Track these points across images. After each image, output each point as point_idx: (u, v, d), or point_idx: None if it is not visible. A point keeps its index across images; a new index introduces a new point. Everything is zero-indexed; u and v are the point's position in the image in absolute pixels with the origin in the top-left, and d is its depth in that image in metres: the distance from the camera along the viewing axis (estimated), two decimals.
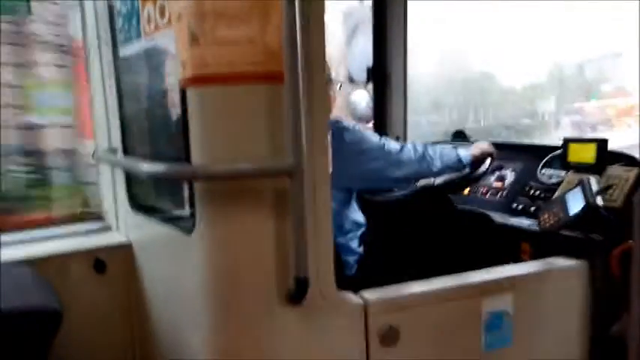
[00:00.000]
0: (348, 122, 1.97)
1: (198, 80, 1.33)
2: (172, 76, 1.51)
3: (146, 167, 1.49)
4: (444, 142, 2.71)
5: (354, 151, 1.88)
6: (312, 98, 1.34)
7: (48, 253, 1.90)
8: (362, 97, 2.97)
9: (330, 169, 1.45)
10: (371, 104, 2.93)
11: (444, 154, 2.07)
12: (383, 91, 2.85)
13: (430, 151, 2.03)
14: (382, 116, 2.87)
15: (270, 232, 1.40)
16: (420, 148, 2.03)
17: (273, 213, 1.39)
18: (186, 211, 1.55)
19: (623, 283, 1.76)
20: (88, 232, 2.16)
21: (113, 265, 1.95)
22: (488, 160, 2.23)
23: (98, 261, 1.95)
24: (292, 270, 1.39)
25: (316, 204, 1.41)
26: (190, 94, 1.36)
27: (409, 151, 2.00)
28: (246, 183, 1.37)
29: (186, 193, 1.54)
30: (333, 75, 2.04)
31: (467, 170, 2.18)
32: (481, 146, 2.23)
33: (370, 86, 2.85)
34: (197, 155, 1.37)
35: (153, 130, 1.84)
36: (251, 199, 1.39)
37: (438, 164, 2.04)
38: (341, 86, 2.09)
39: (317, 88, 1.37)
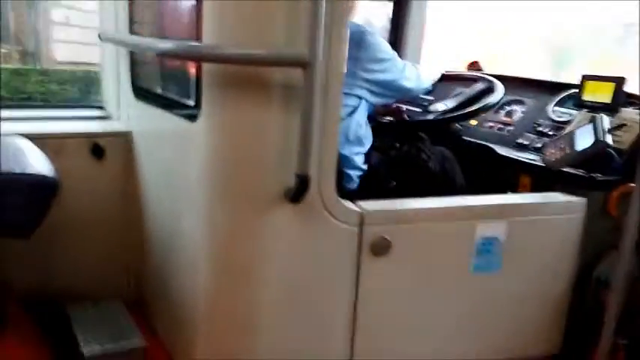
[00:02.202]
0: (368, 29, 1.91)
1: None
2: None
3: (154, 44, 1.44)
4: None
5: (372, 58, 1.85)
6: None
7: (46, 132, 1.88)
8: (379, 18, 2.86)
9: (345, 70, 1.40)
10: (387, 26, 2.83)
11: (424, 75, 2.21)
12: (401, 13, 2.74)
13: (419, 71, 2.15)
14: (398, 39, 2.78)
15: (276, 125, 1.38)
16: (412, 66, 2.09)
17: (281, 106, 1.36)
18: (191, 97, 1.52)
19: (618, 224, 1.78)
20: (87, 118, 2.13)
21: (112, 151, 1.94)
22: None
23: (97, 146, 1.93)
24: (294, 167, 1.37)
25: (327, 100, 1.37)
26: None
27: (410, 67, 2.05)
28: (257, 71, 1.33)
29: (193, 78, 1.50)
30: None
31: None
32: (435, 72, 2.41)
33: (390, 6, 2.74)
34: (208, 35, 1.32)
35: (163, 16, 1.77)
36: (260, 89, 1.35)
37: (425, 85, 2.21)
38: None
39: None
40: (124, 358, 1.61)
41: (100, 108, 2.22)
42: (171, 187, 1.71)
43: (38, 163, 1.42)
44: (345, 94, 1.74)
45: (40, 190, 1.36)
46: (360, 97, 1.87)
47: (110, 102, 2.17)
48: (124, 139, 1.95)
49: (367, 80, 1.87)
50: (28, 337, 1.66)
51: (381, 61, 1.88)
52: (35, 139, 1.75)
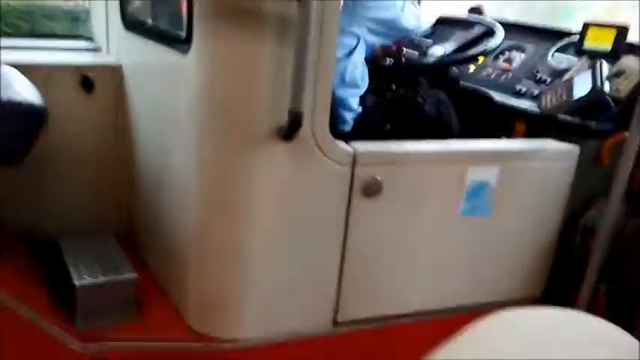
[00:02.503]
0: None
1: None
2: None
3: None
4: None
5: None
6: None
7: (34, 62, 1.83)
8: None
9: (342, 2, 1.36)
10: None
11: (420, 15, 2.16)
12: None
13: (418, 9, 2.15)
14: None
15: (270, 59, 1.34)
16: (412, 5, 2.04)
17: (275, 40, 1.32)
18: (182, 29, 1.47)
19: (608, 174, 1.79)
20: (76, 50, 2.07)
21: (102, 84, 1.90)
22: None
23: (86, 79, 1.89)
24: (287, 104, 1.35)
25: (322, 35, 1.34)
26: None
27: (410, 6, 2.00)
28: (251, 3, 1.29)
29: (184, 9, 1.45)
30: None
31: None
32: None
33: None
34: None
35: None
36: (253, 22, 1.31)
37: (424, 26, 2.20)
38: None
39: None
40: (116, 289, 1.64)
41: (89, 39, 2.16)
42: (162, 120, 1.68)
43: (26, 92, 1.39)
44: (343, 31, 1.69)
45: (29, 117, 1.34)
46: (358, 37, 1.83)
47: (99, 34, 2.11)
48: (114, 71, 1.90)
49: (366, 18, 1.81)
50: (22, 268, 1.68)
51: None
52: (23, 68, 1.71)
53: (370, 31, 1.85)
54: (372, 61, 2.22)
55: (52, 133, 1.64)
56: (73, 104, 1.87)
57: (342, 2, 1.37)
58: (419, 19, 2.06)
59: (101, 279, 1.63)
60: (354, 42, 1.83)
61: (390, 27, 1.90)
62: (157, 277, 1.84)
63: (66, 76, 1.85)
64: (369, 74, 2.00)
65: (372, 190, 1.60)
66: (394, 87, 2.16)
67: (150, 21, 1.80)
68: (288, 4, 1.26)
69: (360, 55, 1.87)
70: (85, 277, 1.63)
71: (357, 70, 1.89)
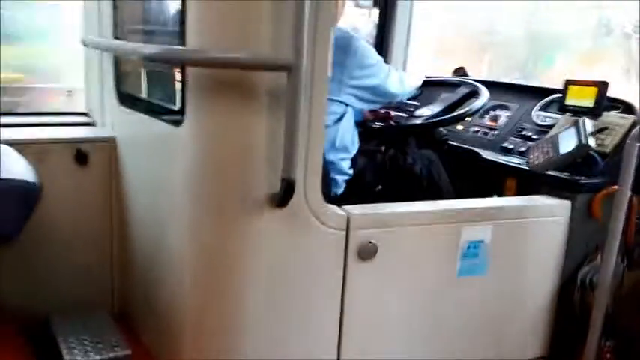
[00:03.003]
0: (355, 35, 1.92)
1: None
2: None
3: (139, 49, 1.43)
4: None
5: (358, 64, 1.85)
6: None
7: (29, 139, 1.86)
8: (364, 24, 2.88)
9: (330, 72, 1.40)
10: (373, 32, 2.84)
11: (408, 80, 2.23)
12: (387, 19, 2.76)
13: (402, 75, 2.18)
14: (383, 47, 2.79)
15: (262, 129, 1.37)
16: (396, 71, 2.11)
17: (266, 110, 1.36)
18: (176, 102, 1.51)
19: (601, 227, 1.79)
20: (70, 125, 2.11)
21: (96, 158, 1.92)
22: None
23: (80, 153, 1.91)
24: (279, 172, 1.37)
25: (312, 104, 1.37)
26: None
27: (394, 72, 2.06)
28: (241, 75, 1.33)
29: (178, 83, 1.49)
30: None
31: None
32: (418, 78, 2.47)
33: (375, 12, 2.75)
34: (192, 39, 1.31)
35: (147, 20, 1.76)
36: (244, 93, 1.35)
37: (409, 90, 2.23)
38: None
39: None
40: None
41: (84, 114, 2.20)
42: (156, 193, 1.69)
43: (20, 169, 1.40)
44: (331, 100, 1.74)
45: (22, 196, 1.34)
46: (346, 104, 1.88)
47: (94, 108, 2.15)
48: (108, 145, 1.93)
49: (353, 86, 1.87)
50: (12, 346, 1.64)
51: (368, 66, 1.89)
52: (18, 145, 1.73)
53: (357, 98, 1.90)
54: (362, 123, 2.28)
55: (46, 208, 1.64)
56: (67, 179, 1.89)
57: (329, 72, 1.41)
58: (403, 83, 2.13)
59: (93, 357, 1.58)
60: (342, 109, 1.88)
61: (376, 93, 1.96)
62: (152, 353, 1.79)
63: (61, 151, 1.87)
64: (359, 137, 2.04)
65: (367, 253, 1.59)
66: (384, 149, 2.20)
67: (143, 95, 1.84)
68: (278, 75, 1.31)
69: (349, 121, 1.92)
70: (77, 355, 1.58)
71: (347, 135, 1.93)
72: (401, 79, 2.11)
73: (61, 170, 1.87)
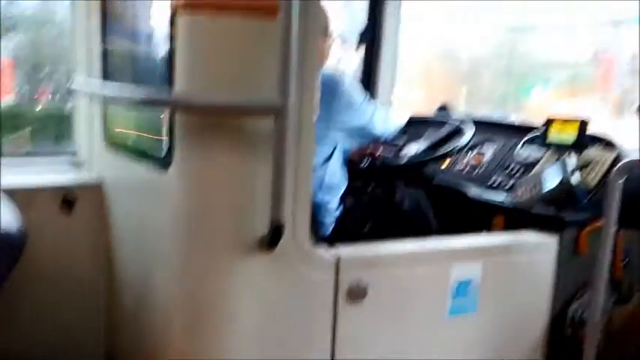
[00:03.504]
0: (343, 76, 1.95)
1: (190, 8, 1.28)
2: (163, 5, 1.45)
3: (126, 93, 1.44)
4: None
5: (346, 105, 1.88)
6: (304, 37, 1.31)
7: (15, 185, 1.84)
8: (349, 63, 2.93)
9: (317, 115, 1.42)
10: (358, 72, 2.89)
11: (392, 118, 2.27)
12: (372, 58, 2.81)
13: (387, 113, 2.23)
14: (370, 84, 2.83)
15: (249, 173, 1.38)
16: (382, 110, 2.15)
17: (253, 153, 1.36)
18: (164, 146, 1.51)
19: (589, 262, 1.80)
20: (58, 167, 2.10)
21: (83, 202, 1.90)
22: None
23: (67, 198, 1.89)
24: (268, 215, 1.36)
25: (299, 148, 1.38)
26: (180, 20, 1.31)
27: (379, 111, 2.10)
28: (229, 119, 1.34)
29: (165, 127, 1.50)
30: (332, 28, 2.01)
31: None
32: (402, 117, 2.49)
33: (360, 50, 2.80)
34: (181, 84, 1.33)
35: (136, 63, 1.78)
36: (232, 137, 1.35)
37: (393, 129, 2.25)
38: (341, 40, 2.07)
39: (310, 28, 1.33)
40: None
41: (72, 154, 2.19)
42: (144, 237, 1.68)
43: (4, 217, 1.38)
44: (319, 141, 1.76)
45: (7, 245, 1.32)
46: (334, 144, 1.90)
47: (82, 149, 2.14)
48: (95, 189, 1.92)
49: (341, 127, 1.89)
50: None
51: (355, 107, 1.92)
52: (3, 191, 1.71)
53: (345, 138, 1.92)
54: (349, 162, 2.29)
55: (32, 255, 1.61)
56: (54, 224, 1.86)
57: (316, 115, 1.43)
58: (387, 122, 2.15)
59: None
60: (331, 149, 1.89)
61: (362, 134, 1.98)
62: None
63: (47, 197, 1.86)
64: (347, 175, 2.05)
65: (357, 295, 1.58)
66: (371, 187, 2.21)
67: (131, 138, 1.85)
68: (266, 119, 1.32)
69: (337, 160, 1.93)
70: None
71: (336, 174, 1.94)
72: (386, 117, 2.15)
73: (47, 216, 1.85)
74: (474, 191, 2.17)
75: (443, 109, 2.74)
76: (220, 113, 1.32)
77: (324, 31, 1.94)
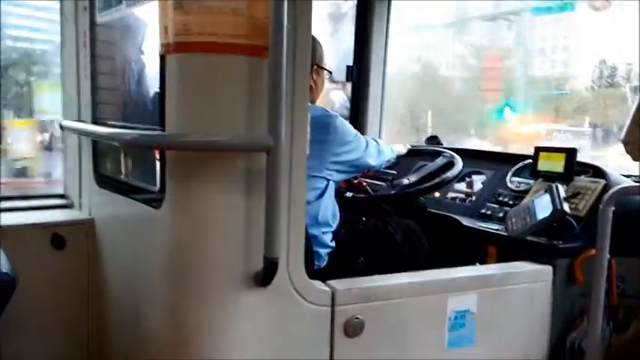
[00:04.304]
0: (334, 113, 1.97)
1: (180, 47, 1.30)
2: (152, 45, 1.47)
3: (118, 134, 1.44)
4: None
5: (339, 141, 1.90)
6: (295, 75, 1.33)
7: (4, 224, 1.82)
8: (338, 97, 2.97)
9: (308, 151, 1.43)
10: (347, 105, 2.93)
11: (385, 149, 2.25)
12: (361, 92, 2.86)
13: (381, 146, 2.20)
14: (359, 118, 2.87)
15: (242, 210, 1.37)
16: (373, 142, 2.15)
17: (246, 189, 1.36)
18: (155, 184, 1.50)
19: (584, 291, 1.80)
20: (48, 208, 2.08)
21: (73, 241, 1.88)
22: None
23: (56, 236, 1.87)
24: (262, 251, 1.36)
25: (291, 184, 1.38)
26: (170, 61, 1.32)
27: (372, 144, 2.11)
28: (221, 158, 1.34)
29: (157, 166, 1.50)
30: (324, 63, 2.04)
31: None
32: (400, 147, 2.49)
33: (348, 86, 2.85)
34: (172, 124, 1.33)
35: (126, 103, 1.79)
36: (224, 174, 1.35)
37: (385, 158, 2.24)
38: (331, 74, 2.10)
39: (300, 66, 1.35)
40: None
41: (61, 196, 2.18)
42: (135, 275, 1.65)
43: None
44: (313, 176, 1.76)
45: None
46: (327, 179, 1.90)
47: (72, 190, 2.13)
48: (85, 228, 1.90)
49: (334, 162, 1.90)
50: None
51: (347, 142, 1.93)
52: None
53: (338, 172, 1.93)
54: (338, 194, 2.30)
55: (21, 294, 1.58)
56: (44, 262, 1.84)
57: (307, 150, 1.44)
58: (381, 154, 2.17)
59: None
60: (324, 184, 1.90)
61: (356, 166, 2.00)
62: None
63: (37, 235, 1.84)
64: (339, 207, 2.05)
65: (354, 329, 1.56)
66: (364, 219, 2.21)
67: (122, 177, 1.84)
68: (258, 155, 1.32)
69: (330, 195, 1.94)
70: None
71: (329, 208, 1.94)
72: (379, 150, 2.16)
73: (37, 255, 1.83)
74: (466, 221, 2.18)
75: (433, 139, 2.78)
76: (212, 151, 1.32)
77: (317, 64, 1.97)
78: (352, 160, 1.96)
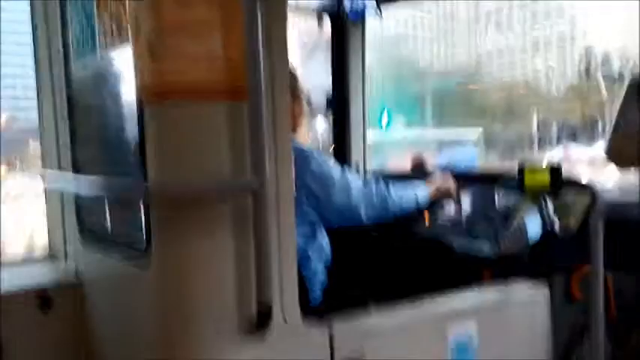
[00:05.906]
0: (312, 150, 1.92)
1: (157, 96, 1.28)
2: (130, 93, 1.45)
3: (99, 187, 1.40)
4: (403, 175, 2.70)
5: (318, 177, 1.83)
6: (275, 115, 1.32)
7: None
8: (320, 124, 2.97)
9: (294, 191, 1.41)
10: (328, 131, 2.93)
11: (403, 196, 2.01)
12: (343, 119, 2.85)
13: (393, 192, 1.97)
14: (342, 144, 2.86)
15: (232, 256, 1.34)
16: (382, 188, 1.96)
17: (234, 236, 1.33)
18: (141, 238, 1.46)
19: (582, 307, 1.79)
20: (33, 267, 2.02)
21: (60, 303, 1.82)
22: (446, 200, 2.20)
23: (44, 300, 1.81)
24: (254, 297, 1.32)
25: (280, 225, 1.36)
26: (148, 109, 1.30)
27: (372, 191, 1.94)
28: (206, 204, 1.31)
29: (142, 219, 1.46)
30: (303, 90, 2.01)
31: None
32: (439, 184, 2.18)
33: (330, 113, 2.84)
34: (154, 173, 1.30)
35: (106, 153, 1.75)
36: (211, 222, 1.32)
37: (397, 209, 2.00)
38: (310, 102, 2.06)
39: (280, 106, 1.34)
40: None
41: (47, 257, 2.11)
42: (125, 331, 1.60)
43: None
44: (302, 219, 1.72)
45: None
46: (314, 222, 1.87)
47: (57, 249, 2.07)
48: (72, 288, 1.84)
49: (322, 206, 1.85)
50: None
51: (328, 178, 1.85)
52: None
53: (328, 216, 1.89)
54: (331, 230, 2.26)
55: (9, 357, 1.53)
56: (30, 326, 1.77)
57: (293, 187, 1.41)
58: (390, 199, 2.01)
59: None
60: (311, 228, 1.87)
61: (345, 215, 1.92)
62: None
63: (23, 301, 1.77)
64: (330, 239, 2.01)
65: None
66: (357, 249, 2.18)
67: (108, 234, 1.78)
68: (244, 198, 1.30)
69: (321, 237, 1.90)
70: None
71: (321, 248, 1.91)
72: (375, 199, 1.95)
73: (23, 318, 1.76)
74: (458, 243, 2.16)
75: (417, 164, 2.77)
76: (197, 197, 1.30)
77: (294, 93, 1.88)
78: (340, 204, 1.84)
